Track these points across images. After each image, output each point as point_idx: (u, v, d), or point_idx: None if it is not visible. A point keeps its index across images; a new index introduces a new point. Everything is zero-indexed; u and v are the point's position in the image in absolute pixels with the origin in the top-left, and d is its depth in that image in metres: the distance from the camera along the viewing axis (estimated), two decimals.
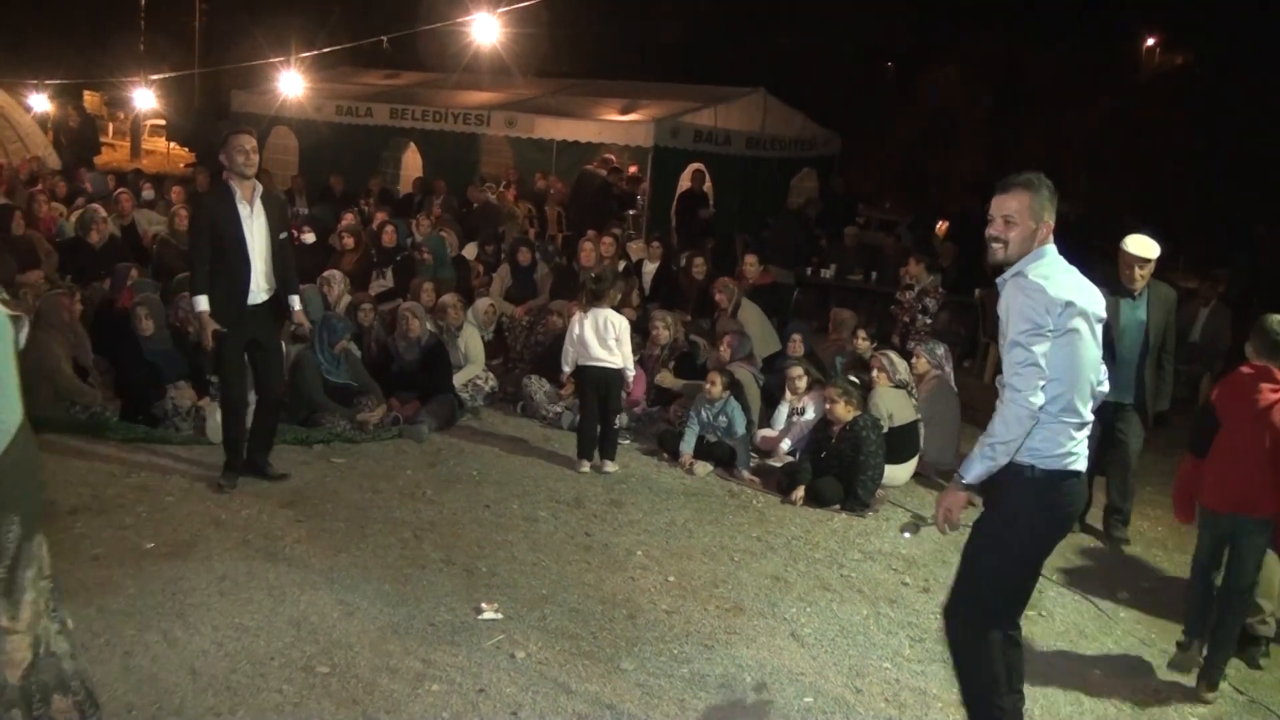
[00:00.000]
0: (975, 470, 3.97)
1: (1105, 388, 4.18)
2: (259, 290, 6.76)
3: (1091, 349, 4.00)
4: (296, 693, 4.53)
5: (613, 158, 16.55)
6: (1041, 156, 29.13)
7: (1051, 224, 4.02)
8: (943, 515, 4.15)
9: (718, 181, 16.84)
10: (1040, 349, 3.84)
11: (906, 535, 7.09)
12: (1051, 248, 4.02)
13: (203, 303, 6.64)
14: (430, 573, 5.87)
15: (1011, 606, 4.23)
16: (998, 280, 4.09)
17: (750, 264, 11.42)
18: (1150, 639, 5.92)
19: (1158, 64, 36.71)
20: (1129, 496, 7.43)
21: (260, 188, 6.76)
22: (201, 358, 8.25)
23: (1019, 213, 4.00)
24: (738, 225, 16.49)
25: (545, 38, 24.66)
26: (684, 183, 16.95)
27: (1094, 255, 14.30)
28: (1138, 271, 7.00)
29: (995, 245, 4.05)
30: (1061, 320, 3.87)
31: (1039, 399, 3.85)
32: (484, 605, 5.49)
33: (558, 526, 6.76)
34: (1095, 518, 7.60)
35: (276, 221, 6.85)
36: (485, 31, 14.01)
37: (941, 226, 18.17)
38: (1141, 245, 6.98)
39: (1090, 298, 4.00)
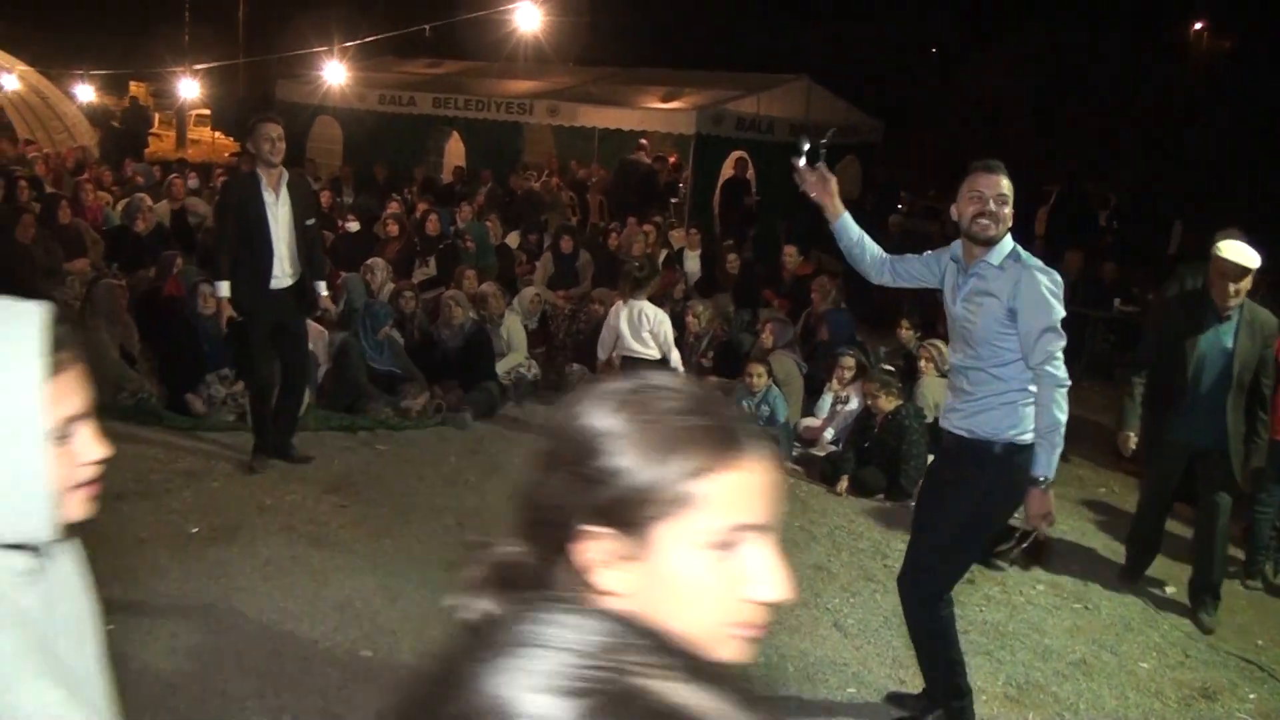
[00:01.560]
0: (1046, 463, 4.02)
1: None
2: (282, 275, 6.82)
3: None
4: (340, 676, 4.55)
5: (645, 143, 16.49)
6: (1088, 144, 28.90)
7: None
8: (1043, 523, 4.18)
9: (760, 169, 16.76)
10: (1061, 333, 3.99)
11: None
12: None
13: (224, 288, 6.81)
14: (472, 560, 5.85)
15: (963, 572, 4.50)
16: (981, 263, 4.13)
17: (790, 255, 11.35)
18: (1197, 633, 5.84)
19: (1206, 49, 36.23)
20: (1220, 566, 6.07)
21: (286, 175, 6.82)
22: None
23: (1010, 192, 4.10)
24: (780, 213, 16.41)
25: (587, 25, 24.64)
26: (727, 170, 16.89)
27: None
28: (1232, 287, 5.61)
29: (986, 223, 4.08)
30: None
31: (1064, 368, 3.99)
32: None
33: None
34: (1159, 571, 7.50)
35: (302, 208, 6.91)
36: (527, 19, 14.01)
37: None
38: (1240, 253, 5.57)
39: None
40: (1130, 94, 28.75)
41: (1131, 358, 7.14)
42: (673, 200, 16.86)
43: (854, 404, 8.24)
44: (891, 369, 7.89)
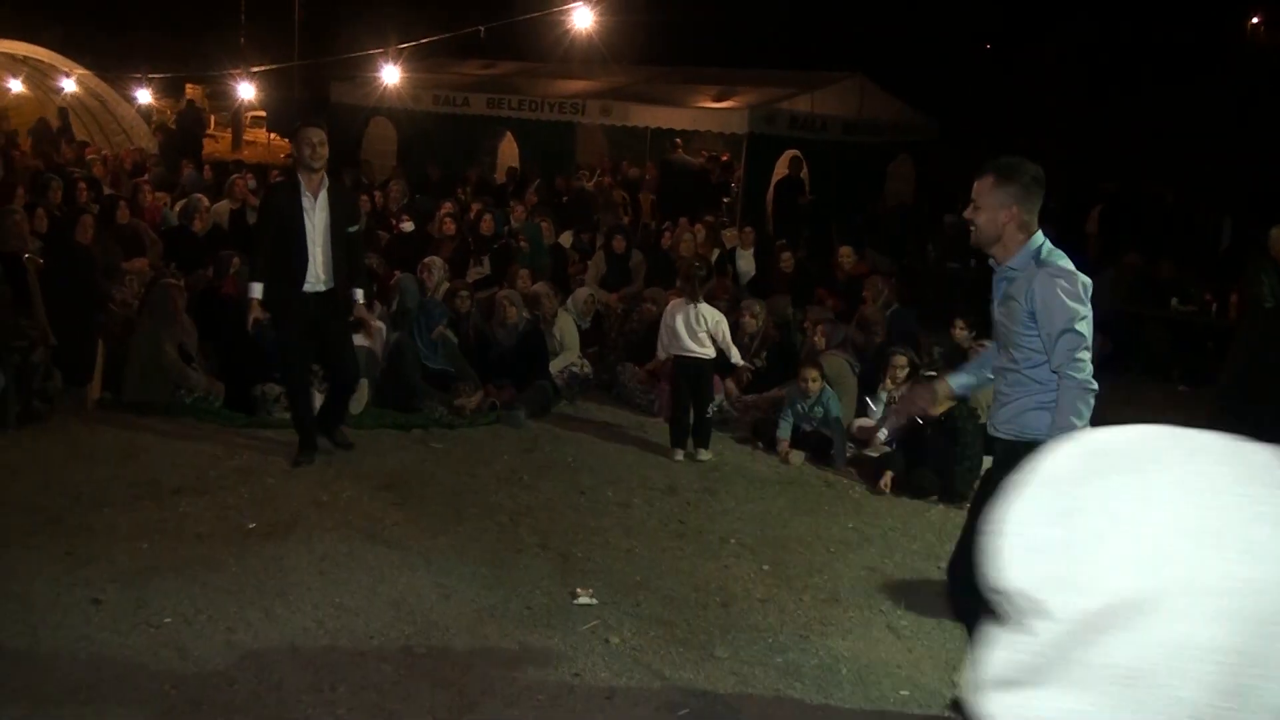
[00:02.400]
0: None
1: None
2: (316, 280, 6.88)
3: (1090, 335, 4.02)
4: (394, 672, 4.59)
5: (680, 141, 16.46)
6: (1145, 141, 28.52)
7: (1020, 209, 4.05)
8: None
9: (813, 168, 16.69)
10: (1087, 327, 3.93)
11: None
12: (1042, 237, 4.09)
13: (256, 289, 6.88)
14: (526, 557, 5.90)
15: None
16: (1004, 266, 4.14)
17: (845, 255, 11.30)
18: None
19: (1263, 43, 35.65)
20: None
21: (327, 181, 6.90)
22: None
23: (989, 193, 4.09)
24: (834, 213, 16.36)
25: (641, 25, 24.63)
26: (780, 170, 16.84)
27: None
28: None
29: (971, 229, 4.18)
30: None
31: (1088, 366, 3.96)
32: (579, 590, 5.51)
33: (651, 513, 6.76)
34: None
35: (342, 215, 6.96)
36: (582, 20, 14.03)
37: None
38: None
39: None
40: (1186, 89, 28.33)
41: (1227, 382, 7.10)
42: (724, 200, 16.83)
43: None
44: (932, 373, 7.80)
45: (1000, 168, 4.09)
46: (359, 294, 7.20)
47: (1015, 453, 4.13)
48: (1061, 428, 3.96)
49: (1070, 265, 3.99)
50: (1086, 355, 3.95)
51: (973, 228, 4.15)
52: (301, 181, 6.80)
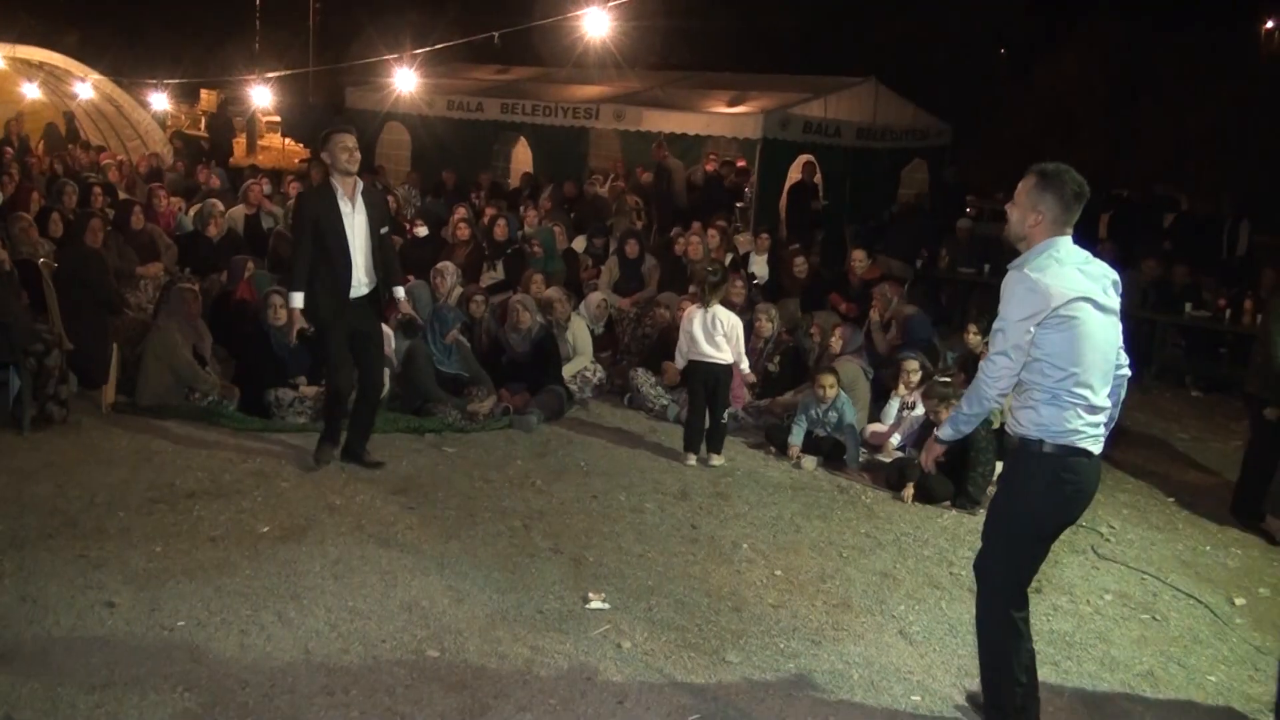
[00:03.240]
0: (947, 432, 4.40)
1: (1126, 371, 4.32)
2: (359, 285, 6.90)
3: (1099, 335, 4.08)
4: (407, 675, 4.60)
5: (661, 145, 16.46)
6: (1161, 146, 28.47)
7: (1049, 216, 4.12)
8: (924, 459, 4.67)
9: (827, 173, 16.68)
10: (1015, 346, 4.04)
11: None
12: (1060, 241, 4.13)
13: (298, 300, 6.82)
14: (539, 561, 5.91)
15: (1024, 580, 4.41)
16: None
17: (859, 259, 11.28)
18: (1266, 646, 5.72)
19: (1277, 48, 35.57)
20: None
21: (361, 184, 6.89)
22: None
23: (1024, 193, 4.18)
24: (847, 217, 16.34)
25: (655, 30, 24.69)
26: (794, 174, 16.83)
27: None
28: None
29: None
30: (1055, 308, 3.99)
31: (1003, 386, 4.13)
32: (591, 595, 5.52)
33: (664, 518, 6.77)
34: None
35: (378, 217, 6.98)
36: (596, 25, 14.02)
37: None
38: None
39: (1098, 288, 4.10)
40: (1201, 94, 28.27)
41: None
42: (738, 205, 16.82)
43: (920, 409, 8.17)
44: (948, 380, 7.78)
45: (1044, 171, 4.16)
46: (400, 290, 7.24)
47: (1013, 447, 4.33)
48: (953, 420, 4.35)
49: (1046, 278, 4.02)
50: (1004, 363, 4.08)
51: (1009, 221, 4.27)
52: (338, 186, 6.78)
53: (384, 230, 7.06)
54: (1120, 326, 4.21)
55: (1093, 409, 4.11)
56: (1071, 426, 4.08)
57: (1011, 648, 4.31)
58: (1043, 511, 4.24)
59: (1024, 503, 4.24)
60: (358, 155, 6.82)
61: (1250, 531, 7.38)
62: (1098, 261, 4.20)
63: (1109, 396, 4.20)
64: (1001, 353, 4.07)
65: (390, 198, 14.19)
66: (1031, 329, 4.01)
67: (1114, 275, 4.21)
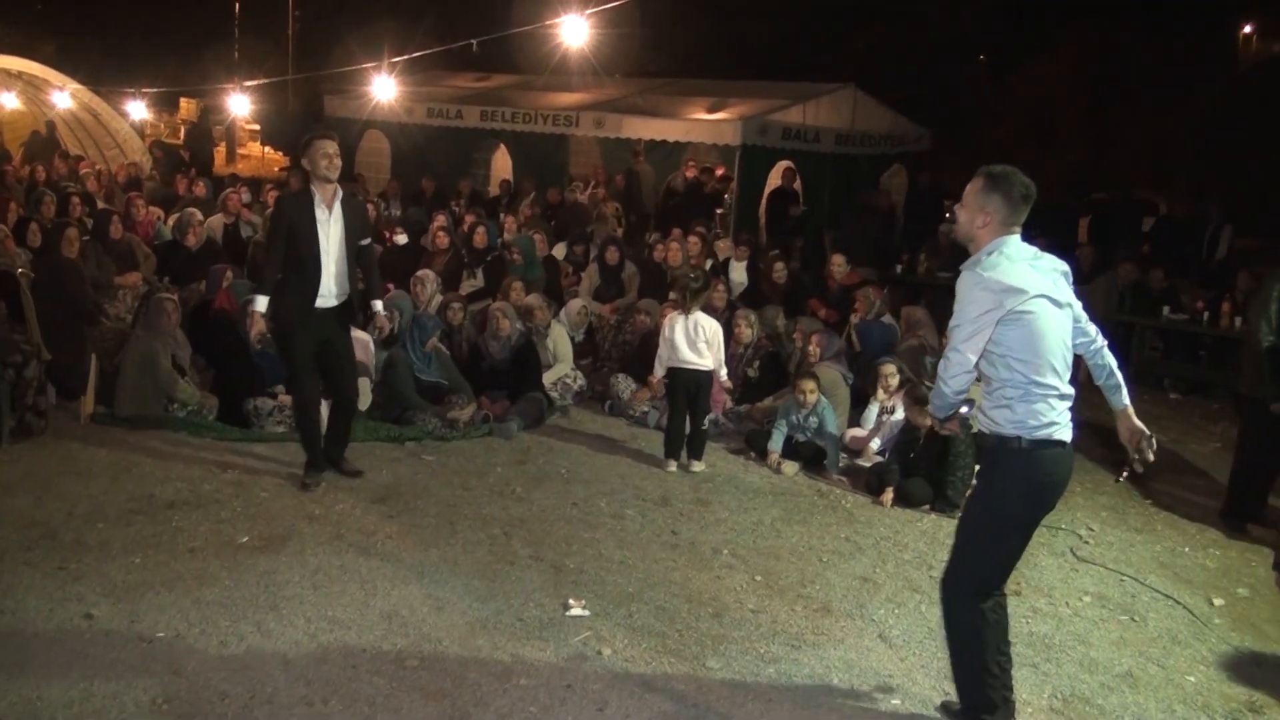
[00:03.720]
0: (946, 412, 4.45)
1: (1100, 341, 4.45)
2: (329, 295, 6.79)
3: (1054, 328, 4.19)
4: (387, 684, 4.60)
5: (638, 151, 16.50)
6: (1141, 151, 28.60)
7: (998, 217, 4.22)
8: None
9: (806, 179, 16.72)
10: (972, 343, 4.14)
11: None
12: (1010, 239, 4.23)
13: (260, 303, 6.77)
14: (519, 569, 5.91)
15: (1003, 574, 4.49)
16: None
17: (838, 264, 11.31)
18: (1245, 646, 5.76)
19: (1255, 52, 35.82)
20: None
21: (341, 192, 6.80)
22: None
23: (971, 195, 4.28)
24: (827, 223, 16.37)
25: (634, 38, 24.71)
26: (774, 181, 16.87)
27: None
28: None
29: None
30: (1011, 305, 4.08)
31: (961, 384, 4.23)
32: (571, 602, 5.52)
33: (645, 525, 6.78)
34: None
35: (356, 227, 6.89)
36: (574, 33, 14.03)
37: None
38: None
39: (1048, 283, 4.20)
40: (1180, 98, 28.42)
41: None
42: (718, 211, 16.85)
43: (900, 414, 8.19)
44: (930, 384, 7.81)
45: (991, 173, 4.26)
46: (378, 304, 7.20)
47: (984, 445, 4.44)
48: (938, 407, 4.43)
49: (999, 275, 4.12)
50: (958, 360, 4.18)
51: (957, 222, 4.38)
52: (316, 193, 6.68)
53: (365, 241, 7.01)
54: (1071, 315, 4.31)
55: (1063, 397, 4.22)
56: (1047, 419, 4.18)
57: (983, 641, 4.38)
58: (1022, 506, 4.32)
59: (1005, 499, 4.31)
60: (338, 162, 6.74)
61: (1236, 537, 7.37)
62: (1046, 256, 4.30)
63: (1102, 367, 4.43)
64: (957, 350, 4.17)
65: (370, 206, 14.17)
66: (989, 327, 4.10)
67: (1064, 266, 4.32)
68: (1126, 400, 4.49)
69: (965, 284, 4.19)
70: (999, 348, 4.14)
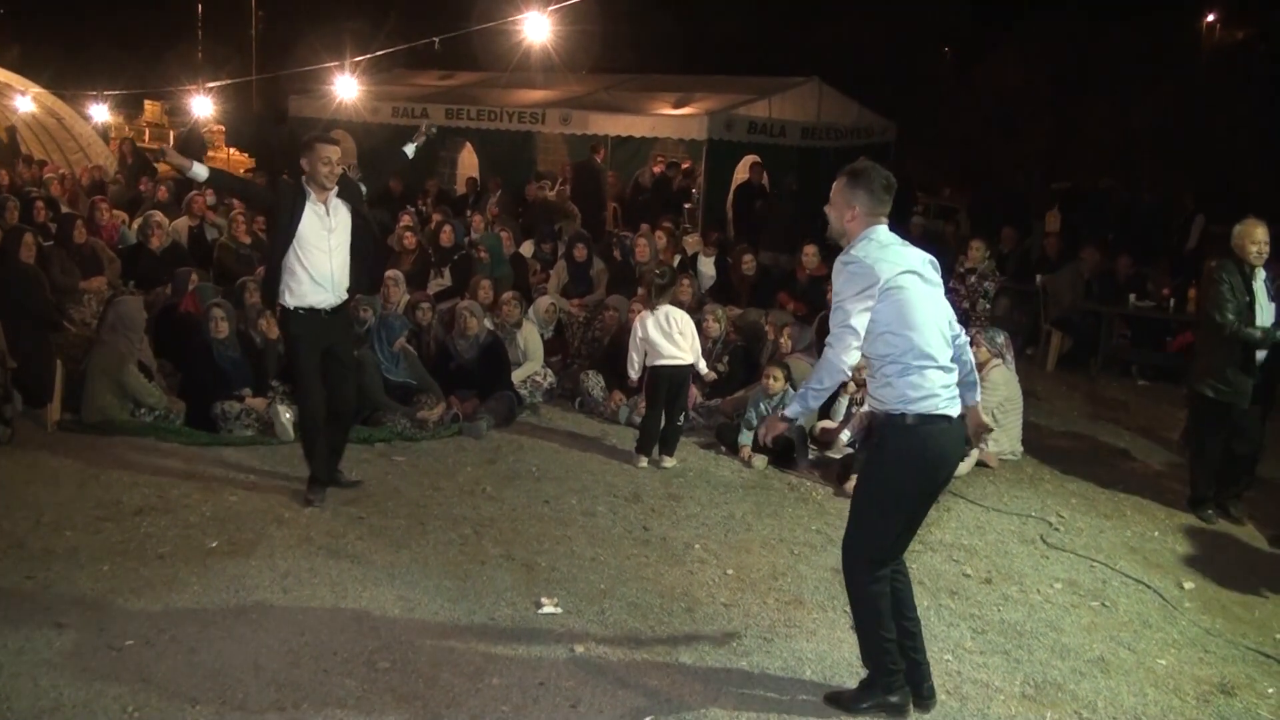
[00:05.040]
0: (794, 409, 4.54)
1: (963, 338, 4.58)
2: (328, 297, 6.53)
3: (928, 303, 4.37)
4: (358, 687, 4.58)
5: (599, 149, 16.52)
6: (1105, 140, 28.81)
7: (863, 209, 4.42)
8: (764, 432, 4.73)
9: (773, 173, 16.75)
10: (856, 318, 4.27)
11: None
12: (877, 228, 4.42)
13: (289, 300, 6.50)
14: (490, 568, 5.90)
15: (898, 545, 4.61)
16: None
17: (809, 254, 11.32)
18: (1216, 629, 5.81)
19: (1218, 40, 36.11)
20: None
21: (335, 194, 6.52)
22: (266, 363, 8.38)
23: (835, 193, 4.50)
24: (794, 217, 16.38)
25: (598, 34, 24.67)
26: (741, 175, 16.90)
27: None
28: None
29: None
30: (886, 276, 4.26)
31: (851, 357, 4.32)
32: (543, 600, 5.52)
33: (616, 521, 6.78)
34: None
35: (357, 226, 6.66)
36: (537, 30, 14.01)
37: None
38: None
39: (918, 263, 4.41)
40: (1144, 88, 28.63)
41: None
42: (686, 206, 16.86)
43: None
44: None
45: (852, 171, 4.49)
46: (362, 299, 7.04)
47: (879, 424, 4.59)
48: (809, 385, 4.47)
49: (869, 257, 4.30)
50: (848, 335, 4.29)
51: (829, 222, 4.57)
52: (311, 193, 6.43)
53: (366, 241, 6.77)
54: (944, 301, 4.50)
55: (943, 369, 4.37)
56: (929, 390, 4.32)
57: (880, 609, 4.53)
58: (911, 482, 4.46)
59: (893, 475, 4.46)
60: (339, 170, 6.48)
61: (1207, 521, 7.50)
62: (912, 245, 4.50)
63: (964, 363, 4.54)
64: (844, 326, 4.29)
65: None
66: (870, 299, 4.26)
67: (930, 256, 4.53)
68: (977, 398, 4.68)
69: (839, 270, 4.37)
70: (876, 325, 4.31)
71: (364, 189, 6.88)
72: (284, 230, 6.42)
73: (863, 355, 4.40)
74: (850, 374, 4.44)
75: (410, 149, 7.22)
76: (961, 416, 4.47)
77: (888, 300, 4.27)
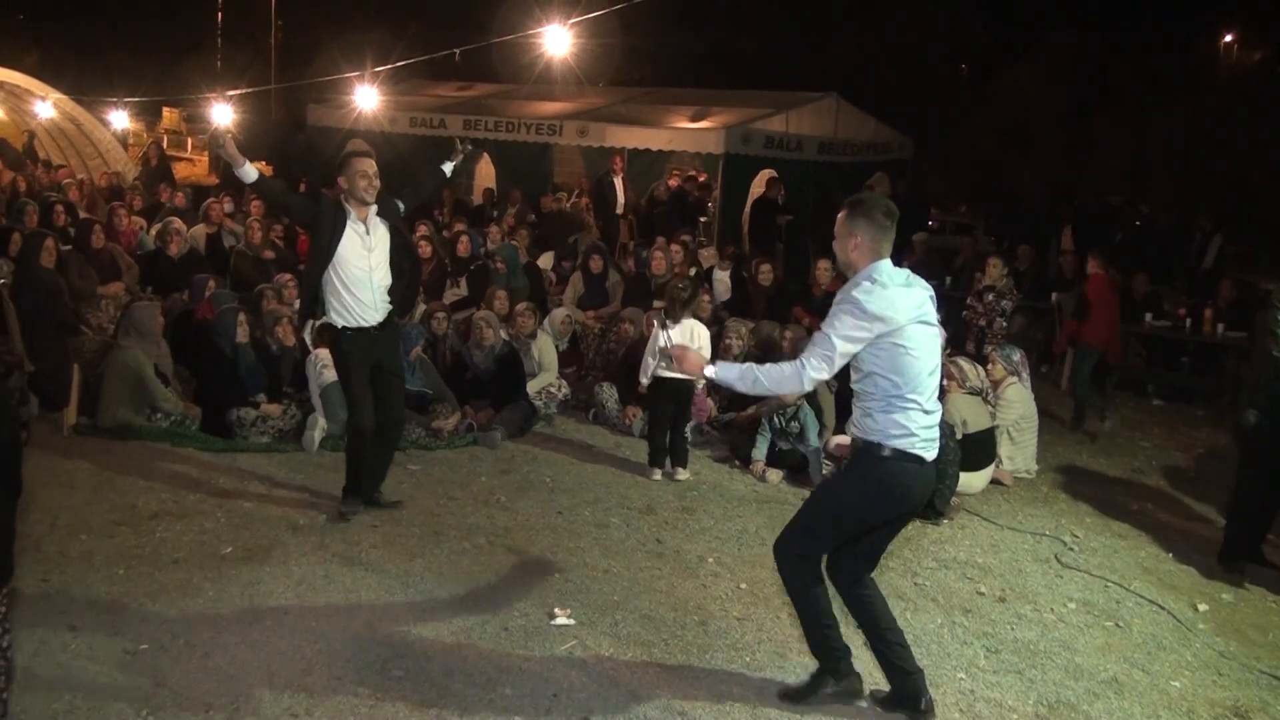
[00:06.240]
0: (725, 376, 4.63)
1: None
2: (372, 315, 6.44)
3: (925, 349, 4.42)
4: (371, 695, 4.59)
5: (617, 159, 16.56)
6: (1121, 159, 28.75)
7: (866, 239, 4.47)
8: (677, 358, 4.82)
9: (789, 187, 16.76)
10: (839, 356, 4.36)
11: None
12: (882, 265, 4.46)
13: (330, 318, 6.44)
14: (504, 578, 5.91)
15: (826, 552, 4.72)
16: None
17: (823, 269, 11.32)
18: (1230, 651, 5.79)
19: (1235, 61, 36.06)
20: None
21: (375, 210, 6.43)
22: (281, 370, 8.41)
23: (840, 226, 4.56)
24: (811, 231, 16.41)
25: (617, 47, 24.76)
26: (758, 189, 16.91)
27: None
28: None
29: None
30: (879, 332, 4.32)
31: (811, 384, 4.47)
32: (556, 611, 5.52)
33: (629, 533, 6.77)
34: None
35: (398, 244, 6.58)
36: (557, 43, 14.06)
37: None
38: None
39: (918, 306, 4.42)
40: (1161, 107, 28.57)
41: None
42: (701, 220, 16.88)
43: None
44: None
45: (851, 203, 4.57)
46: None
47: (858, 448, 4.59)
48: (759, 373, 4.53)
49: (871, 305, 4.31)
50: (825, 360, 4.37)
51: (836, 256, 4.65)
52: (351, 212, 6.33)
53: (408, 264, 6.68)
54: (939, 334, 4.58)
55: (925, 413, 4.43)
56: (909, 430, 4.39)
57: (813, 594, 4.69)
58: (865, 507, 4.57)
59: (857, 496, 4.56)
60: (377, 183, 6.37)
61: (1236, 582, 6.80)
62: (917, 281, 4.54)
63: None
64: (824, 358, 4.37)
65: None
66: (858, 345, 4.34)
67: (930, 290, 4.57)
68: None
69: (841, 304, 4.39)
70: (870, 365, 4.40)
71: (401, 206, 6.79)
72: (324, 249, 6.32)
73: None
74: (799, 396, 4.53)
75: (448, 167, 7.16)
76: (935, 461, 4.55)
77: (888, 350, 4.35)
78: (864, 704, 4.83)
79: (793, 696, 4.84)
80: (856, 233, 4.47)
